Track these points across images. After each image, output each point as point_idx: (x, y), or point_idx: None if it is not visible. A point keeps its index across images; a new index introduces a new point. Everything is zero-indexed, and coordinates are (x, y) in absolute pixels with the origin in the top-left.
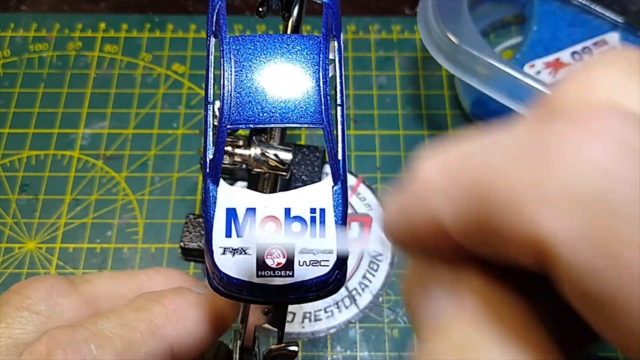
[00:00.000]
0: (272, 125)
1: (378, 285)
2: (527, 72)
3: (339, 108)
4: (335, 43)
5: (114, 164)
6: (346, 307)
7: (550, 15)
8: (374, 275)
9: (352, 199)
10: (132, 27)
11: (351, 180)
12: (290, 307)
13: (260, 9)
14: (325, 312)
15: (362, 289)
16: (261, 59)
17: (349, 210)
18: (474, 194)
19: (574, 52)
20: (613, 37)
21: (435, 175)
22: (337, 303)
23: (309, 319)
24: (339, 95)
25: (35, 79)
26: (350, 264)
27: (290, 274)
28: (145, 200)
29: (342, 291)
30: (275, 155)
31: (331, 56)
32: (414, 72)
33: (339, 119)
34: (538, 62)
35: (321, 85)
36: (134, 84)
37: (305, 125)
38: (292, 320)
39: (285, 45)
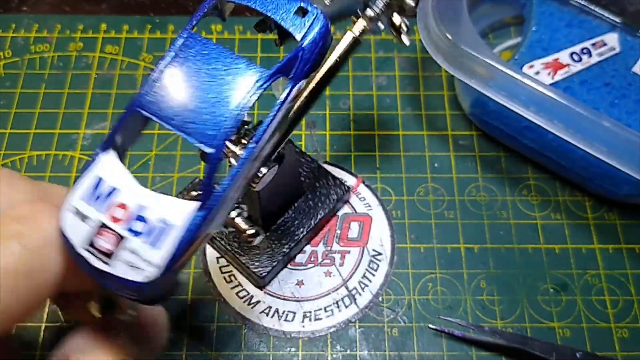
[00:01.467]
0: (167, 127)
1: (378, 284)
2: (526, 72)
3: (248, 147)
4: (289, 89)
5: None
6: (346, 307)
7: (548, 16)
8: (373, 275)
9: (352, 198)
10: (133, 28)
11: (351, 180)
12: (291, 307)
13: (257, 27)
14: (325, 311)
15: (362, 289)
16: (198, 64)
17: (349, 210)
18: None
19: (572, 53)
20: (611, 37)
21: None
22: (337, 302)
23: (309, 318)
24: (259, 137)
25: (36, 80)
26: (351, 263)
27: (107, 262)
28: None
29: (342, 290)
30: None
31: (281, 95)
32: (414, 73)
33: (242, 156)
34: (537, 62)
35: (234, 112)
36: (135, 85)
37: (196, 143)
38: (293, 320)
39: (227, 61)
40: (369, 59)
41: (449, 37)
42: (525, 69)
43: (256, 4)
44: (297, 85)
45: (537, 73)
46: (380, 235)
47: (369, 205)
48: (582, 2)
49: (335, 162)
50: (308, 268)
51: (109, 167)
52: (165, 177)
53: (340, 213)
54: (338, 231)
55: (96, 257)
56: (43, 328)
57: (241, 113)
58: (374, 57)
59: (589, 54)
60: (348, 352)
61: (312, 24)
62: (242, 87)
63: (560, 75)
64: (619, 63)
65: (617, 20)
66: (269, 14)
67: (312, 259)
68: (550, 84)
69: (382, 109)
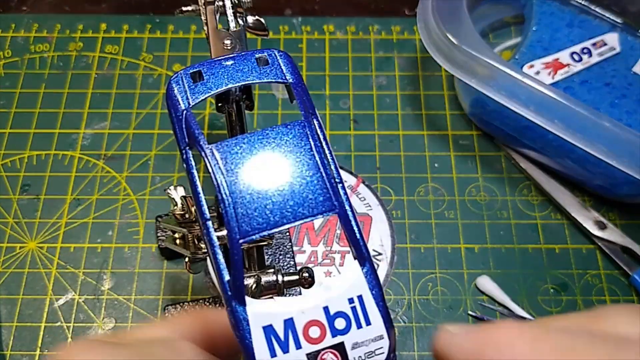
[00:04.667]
0: (286, 226)
1: None
2: (526, 72)
3: (339, 186)
4: (315, 121)
5: (114, 164)
6: None
7: (549, 15)
8: None
9: (352, 198)
10: (133, 28)
11: (351, 180)
12: None
13: (219, 104)
14: None
15: None
16: (252, 159)
17: None
18: None
19: (572, 53)
20: (612, 37)
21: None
22: None
23: None
24: (335, 173)
25: (36, 79)
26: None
27: None
28: (146, 200)
29: None
30: None
31: (320, 135)
32: (414, 73)
33: (343, 197)
34: (537, 62)
35: (321, 169)
36: (135, 84)
37: (320, 217)
38: None
39: (272, 140)
40: (369, 59)
41: (450, 37)
42: (525, 68)
43: (232, 81)
44: (318, 116)
45: (538, 73)
46: (380, 235)
47: (369, 205)
48: (583, 2)
49: None
50: None
51: (259, 311)
52: (166, 176)
53: None
54: (338, 231)
55: None
56: (43, 328)
57: (324, 164)
58: (374, 57)
59: (590, 53)
60: None
61: (278, 62)
62: (304, 145)
63: (560, 75)
64: (620, 63)
65: (618, 20)
66: (248, 83)
67: (312, 259)
68: (551, 84)
69: (382, 109)
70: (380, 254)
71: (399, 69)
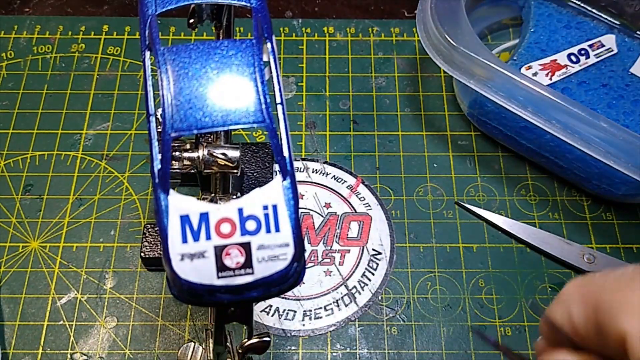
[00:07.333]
0: (216, 129)
1: (377, 283)
2: (524, 73)
3: (279, 107)
4: (268, 45)
5: (117, 164)
6: (346, 305)
7: (546, 17)
8: (373, 274)
9: (352, 198)
10: (135, 29)
11: (350, 180)
12: (291, 305)
13: (191, 21)
14: (325, 310)
15: (362, 287)
16: (197, 66)
17: (349, 210)
18: (592, 304)
19: (570, 54)
20: (609, 39)
21: (572, 290)
22: (337, 301)
23: (310, 317)
24: (277, 94)
25: (39, 80)
26: (350, 262)
27: (250, 271)
28: (148, 199)
29: (342, 289)
30: (223, 154)
31: (265, 58)
32: (413, 74)
33: (281, 117)
34: (535, 63)
35: (259, 86)
36: (137, 85)
37: (248, 125)
38: (293, 319)
39: (220, 51)
40: (369, 60)
41: (448, 38)
42: (523, 70)
43: None
44: (274, 42)
45: (535, 74)
46: (380, 234)
47: (369, 205)
48: (580, 4)
49: (335, 162)
50: (308, 267)
51: (180, 202)
52: None
53: (340, 212)
54: (338, 230)
55: (237, 275)
56: (45, 327)
57: (263, 82)
58: (373, 58)
59: (587, 55)
60: (348, 350)
61: None
62: (248, 62)
63: (558, 76)
64: (617, 64)
65: (615, 21)
66: (212, 1)
67: (312, 258)
68: (548, 85)
69: (381, 110)
70: (379, 253)
71: (398, 70)
